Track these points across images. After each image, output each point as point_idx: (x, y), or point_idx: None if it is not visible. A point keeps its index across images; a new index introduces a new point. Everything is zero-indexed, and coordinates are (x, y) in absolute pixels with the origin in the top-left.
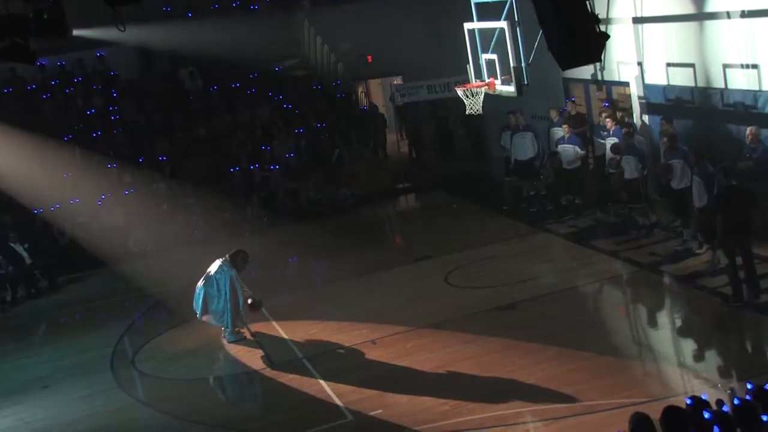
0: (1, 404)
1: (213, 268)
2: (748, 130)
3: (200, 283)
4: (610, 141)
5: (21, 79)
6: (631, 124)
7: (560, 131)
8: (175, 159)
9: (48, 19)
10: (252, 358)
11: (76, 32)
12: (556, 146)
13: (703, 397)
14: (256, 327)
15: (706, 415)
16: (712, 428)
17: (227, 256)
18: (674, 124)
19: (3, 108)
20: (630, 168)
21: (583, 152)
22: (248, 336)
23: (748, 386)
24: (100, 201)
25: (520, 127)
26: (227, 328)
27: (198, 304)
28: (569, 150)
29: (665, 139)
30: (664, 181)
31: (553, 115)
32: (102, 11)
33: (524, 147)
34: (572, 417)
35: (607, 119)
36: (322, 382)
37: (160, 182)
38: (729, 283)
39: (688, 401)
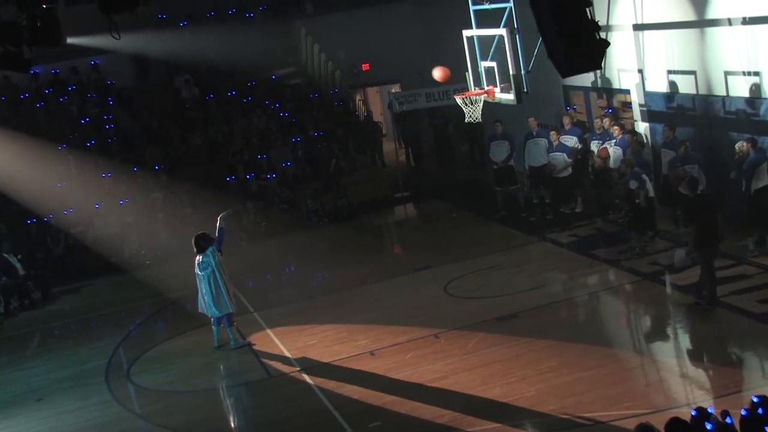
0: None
1: (197, 268)
2: (737, 146)
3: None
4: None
5: (15, 87)
6: (636, 133)
7: (570, 139)
8: (171, 168)
9: (42, 26)
10: (249, 370)
11: (70, 40)
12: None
13: (709, 410)
14: (254, 338)
15: (708, 426)
16: None
17: (196, 247)
18: (675, 132)
19: None
20: (635, 179)
21: (571, 160)
22: (241, 339)
23: (753, 399)
24: (94, 211)
25: (534, 133)
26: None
27: (211, 309)
28: (558, 158)
29: (681, 148)
30: (675, 189)
31: (566, 122)
32: (96, 19)
33: (538, 153)
34: (574, 429)
35: (615, 127)
36: (320, 393)
37: (156, 191)
38: (702, 286)
39: (693, 413)
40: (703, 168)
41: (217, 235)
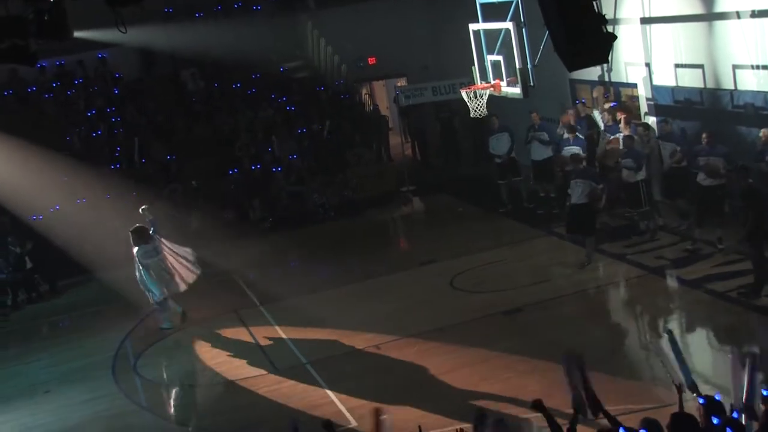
0: (2, 409)
1: (144, 258)
2: (762, 132)
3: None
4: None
5: (22, 81)
6: (648, 126)
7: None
8: (178, 161)
9: (49, 20)
10: (255, 364)
11: (77, 34)
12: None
13: (717, 398)
14: (260, 332)
15: (715, 421)
16: (725, 431)
17: (136, 237)
18: (683, 125)
19: (3, 110)
20: (628, 171)
21: (586, 155)
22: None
23: (764, 393)
24: (101, 204)
25: (536, 126)
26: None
27: (159, 291)
28: (575, 152)
29: (704, 136)
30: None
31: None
32: (103, 12)
33: (540, 147)
34: (580, 423)
35: (621, 119)
36: (325, 387)
37: (162, 186)
38: (754, 277)
39: (702, 401)
40: (729, 161)
41: (153, 226)
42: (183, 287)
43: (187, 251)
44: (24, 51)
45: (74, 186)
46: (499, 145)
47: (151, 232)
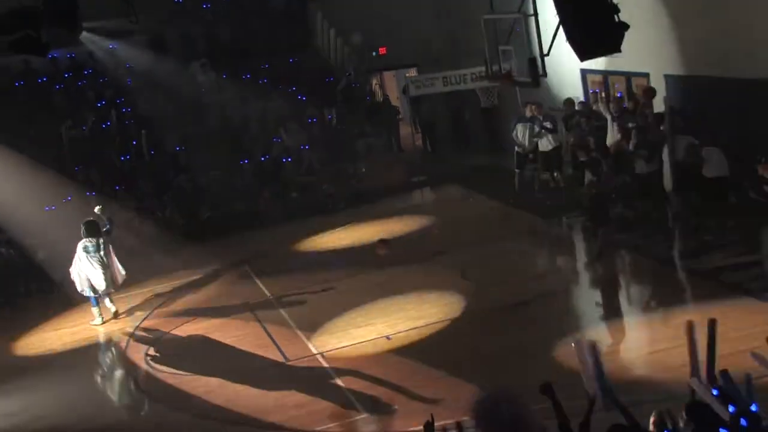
0: (12, 400)
1: (88, 250)
2: None
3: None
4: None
5: (34, 72)
6: (661, 116)
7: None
8: (188, 153)
9: (60, 10)
10: (266, 354)
11: (87, 24)
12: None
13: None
14: (270, 324)
15: (731, 409)
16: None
17: (85, 230)
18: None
19: (15, 100)
20: (640, 162)
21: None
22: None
23: None
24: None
25: (542, 117)
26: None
27: (108, 285)
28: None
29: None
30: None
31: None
32: (114, 4)
33: (546, 137)
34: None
35: (639, 105)
36: (336, 377)
37: (172, 177)
38: None
39: (715, 392)
40: (724, 151)
41: (108, 225)
42: (119, 283)
43: (118, 266)
44: (36, 42)
45: (84, 177)
46: (526, 133)
47: (104, 230)
